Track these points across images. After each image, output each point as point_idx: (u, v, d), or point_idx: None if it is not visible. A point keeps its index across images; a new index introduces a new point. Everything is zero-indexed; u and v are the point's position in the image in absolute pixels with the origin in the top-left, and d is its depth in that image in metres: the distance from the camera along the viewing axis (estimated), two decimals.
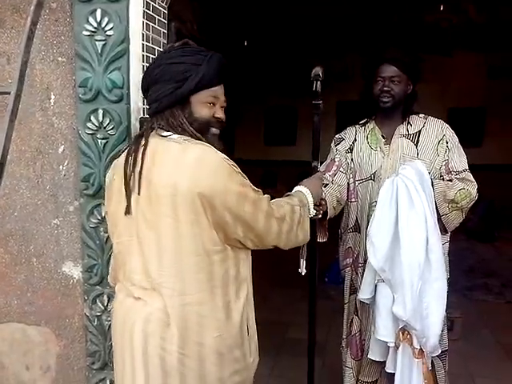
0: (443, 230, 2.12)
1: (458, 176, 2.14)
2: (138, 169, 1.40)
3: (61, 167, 1.93)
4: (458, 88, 7.68)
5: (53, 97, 1.90)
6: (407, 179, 1.90)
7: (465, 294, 4.60)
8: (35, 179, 1.96)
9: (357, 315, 2.35)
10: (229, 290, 1.44)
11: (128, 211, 1.43)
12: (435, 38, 6.15)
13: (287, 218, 1.53)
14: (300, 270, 1.88)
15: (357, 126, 2.32)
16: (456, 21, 5.39)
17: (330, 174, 2.30)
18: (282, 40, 6.93)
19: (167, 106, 1.44)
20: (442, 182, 2.11)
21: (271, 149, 8.63)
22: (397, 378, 2.03)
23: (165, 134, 1.44)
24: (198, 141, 1.43)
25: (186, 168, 1.36)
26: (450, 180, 2.14)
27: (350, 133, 2.32)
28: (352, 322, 2.38)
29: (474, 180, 2.14)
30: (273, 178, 8.29)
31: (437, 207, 2.04)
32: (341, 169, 2.31)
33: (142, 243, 1.42)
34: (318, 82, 1.83)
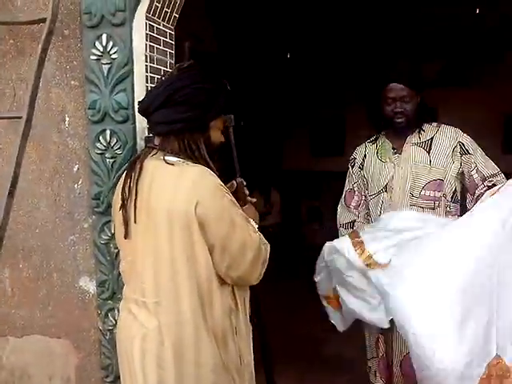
0: None
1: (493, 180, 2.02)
2: (133, 196, 1.44)
3: (75, 186, 2.02)
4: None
5: (67, 119, 1.99)
6: None
7: None
8: (53, 197, 2.05)
9: (381, 333, 2.25)
10: (223, 315, 1.46)
11: (126, 236, 1.48)
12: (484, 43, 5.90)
13: (261, 246, 1.52)
14: None
15: (366, 143, 2.31)
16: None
17: (354, 205, 2.32)
18: (326, 49, 6.90)
19: (191, 128, 1.47)
20: None
21: (318, 160, 8.54)
22: None
23: (170, 158, 1.45)
24: (195, 163, 1.45)
25: (183, 191, 1.39)
26: (489, 187, 1.98)
27: (360, 150, 2.33)
28: (378, 341, 2.29)
29: None
30: (318, 189, 8.19)
31: None
32: (363, 198, 2.31)
33: (140, 264, 1.46)
34: None
